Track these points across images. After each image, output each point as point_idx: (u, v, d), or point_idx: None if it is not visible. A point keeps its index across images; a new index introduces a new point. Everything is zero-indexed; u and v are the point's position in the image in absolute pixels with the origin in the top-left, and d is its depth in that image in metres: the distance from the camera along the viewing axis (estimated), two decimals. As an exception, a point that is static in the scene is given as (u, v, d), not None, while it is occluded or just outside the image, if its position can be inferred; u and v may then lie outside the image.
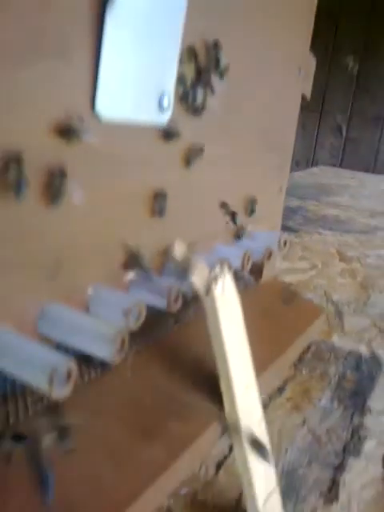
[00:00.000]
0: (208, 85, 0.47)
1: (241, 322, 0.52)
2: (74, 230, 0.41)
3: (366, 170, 2.99)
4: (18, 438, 0.39)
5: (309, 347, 0.88)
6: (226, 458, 0.64)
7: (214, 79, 0.48)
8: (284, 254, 0.68)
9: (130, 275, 0.48)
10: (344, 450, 0.66)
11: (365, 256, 1.40)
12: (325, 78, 2.95)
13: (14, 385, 0.45)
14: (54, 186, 0.36)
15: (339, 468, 0.63)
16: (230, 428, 0.50)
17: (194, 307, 0.66)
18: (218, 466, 0.62)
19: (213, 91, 0.48)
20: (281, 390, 0.77)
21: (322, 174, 2.65)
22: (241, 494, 0.58)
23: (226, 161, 0.59)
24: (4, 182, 0.33)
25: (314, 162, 3.19)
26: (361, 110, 3.05)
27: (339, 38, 2.86)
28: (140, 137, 0.44)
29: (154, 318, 0.62)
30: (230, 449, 0.65)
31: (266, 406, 0.73)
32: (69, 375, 0.34)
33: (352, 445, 0.67)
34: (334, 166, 3.06)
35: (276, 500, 0.53)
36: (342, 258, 1.36)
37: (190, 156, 0.50)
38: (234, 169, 0.60)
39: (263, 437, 0.53)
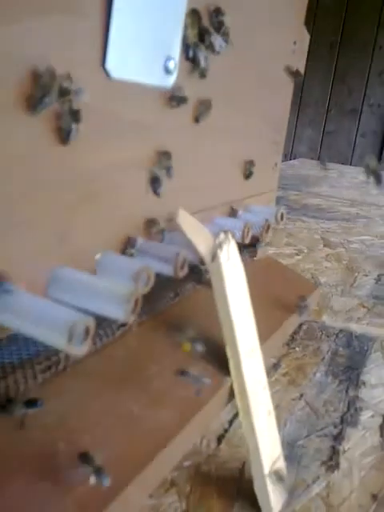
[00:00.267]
0: (211, 48, 0.47)
1: (245, 289, 0.52)
2: (82, 193, 0.40)
3: (344, 163, 3.03)
4: (30, 403, 0.39)
5: (300, 326, 0.89)
6: (226, 431, 0.64)
7: (217, 43, 0.48)
8: (281, 227, 0.68)
9: (137, 243, 0.48)
10: (342, 420, 0.67)
11: (348, 242, 1.42)
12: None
13: (22, 354, 0.45)
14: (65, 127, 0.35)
15: (338, 438, 0.63)
16: (236, 393, 0.50)
17: (191, 282, 0.66)
18: (219, 439, 0.62)
19: (215, 52, 0.48)
20: (276, 366, 0.77)
21: (302, 166, 2.67)
22: (244, 465, 0.58)
23: (227, 127, 0.59)
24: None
25: (292, 156, 3.22)
26: (338, 103, 3.08)
27: (316, 30, 2.89)
28: (145, 99, 0.44)
29: (154, 291, 0.62)
30: (230, 423, 0.65)
31: (262, 381, 0.74)
32: (86, 333, 0.34)
33: (349, 416, 0.68)
34: (313, 158, 3.09)
35: (281, 466, 0.54)
36: (327, 243, 1.38)
37: (198, 116, 0.50)
38: (233, 136, 0.60)
39: (268, 402, 0.53)
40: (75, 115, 0.35)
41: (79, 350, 0.33)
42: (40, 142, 0.35)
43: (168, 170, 0.47)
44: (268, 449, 0.51)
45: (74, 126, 0.35)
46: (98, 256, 0.44)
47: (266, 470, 0.51)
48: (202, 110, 0.50)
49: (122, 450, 0.38)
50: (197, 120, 0.51)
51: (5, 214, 0.34)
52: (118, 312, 0.38)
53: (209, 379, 0.47)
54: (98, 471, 0.34)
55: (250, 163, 0.64)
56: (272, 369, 0.77)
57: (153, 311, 0.56)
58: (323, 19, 2.90)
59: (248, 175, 0.65)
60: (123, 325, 0.52)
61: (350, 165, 3.01)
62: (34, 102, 0.33)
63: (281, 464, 0.54)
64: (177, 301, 0.61)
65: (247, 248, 0.77)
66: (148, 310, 0.56)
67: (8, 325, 0.34)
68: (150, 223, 0.47)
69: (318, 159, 3.08)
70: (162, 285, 0.64)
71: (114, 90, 0.40)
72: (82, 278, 0.39)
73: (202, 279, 0.60)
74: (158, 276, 0.66)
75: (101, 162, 0.41)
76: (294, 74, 0.65)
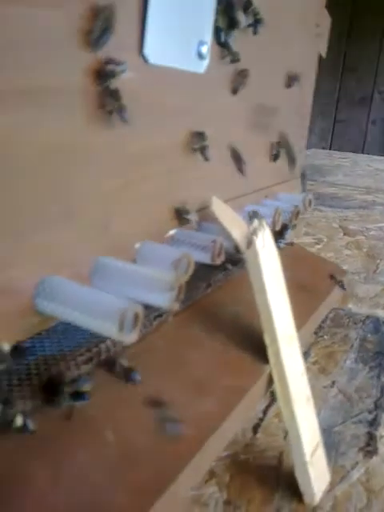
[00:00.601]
0: (240, 29, 0.47)
1: (281, 275, 0.52)
2: (123, 180, 0.40)
3: (355, 151, 3.00)
4: (77, 395, 0.39)
5: (327, 315, 0.88)
6: (261, 420, 0.63)
7: (244, 21, 0.47)
8: (308, 212, 0.68)
9: (172, 231, 0.48)
10: (375, 406, 0.66)
11: (367, 229, 1.41)
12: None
13: (63, 346, 0.45)
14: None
15: (373, 423, 0.63)
16: (275, 381, 0.49)
17: (222, 272, 0.65)
18: (255, 428, 0.62)
19: (244, 32, 0.48)
20: (306, 354, 0.77)
21: (314, 156, 2.65)
22: (281, 454, 0.58)
23: (254, 111, 0.59)
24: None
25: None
26: (348, 92, 3.06)
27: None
28: (181, 83, 0.44)
29: (187, 281, 0.62)
30: (264, 412, 0.65)
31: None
32: (136, 320, 0.34)
33: (383, 401, 0.67)
34: (324, 148, 3.07)
35: (321, 453, 0.53)
36: (346, 231, 1.37)
37: (236, 87, 0.50)
38: (260, 120, 0.60)
39: (306, 389, 0.53)
40: (116, 95, 0.35)
41: (129, 337, 0.33)
42: (82, 128, 0.35)
43: (203, 150, 0.47)
44: (308, 436, 0.51)
45: (115, 105, 0.35)
46: (137, 245, 0.43)
47: (307, 456, 0.50)
48: (239, 80, 0.50)
49: (173, 438, 0.38)
50: (235, 91, 0.50)
51: (48, 201, 0.34)
52: (163, 300, 0.37)
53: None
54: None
55: (278, 144, 0.64)
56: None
57: (186, 302, 0.56)
58: (331, 8, 2.87)
59: (275, 156, 0.64)
60: (159, 315, 0.52)
61: (362, 153, 2.98)
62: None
63: (321, 451, 0.53)
64: (209, 291, 0.60)
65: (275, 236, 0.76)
66: (182, 301, 0.56)
67: (56, 314, 0.34)
68: (184, 212, 0.47)
69: (330, 149, 3.06)
70: (195, 275, 0.64)
71: (152, 76, 0.40)
72: (124, 267, 0.38)
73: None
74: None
75: (141, 147, 0.41)
76: None
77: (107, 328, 0.32)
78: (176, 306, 0.38)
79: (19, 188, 0.31)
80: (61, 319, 0.35)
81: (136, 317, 0.33)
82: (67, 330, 0.47)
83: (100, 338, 0.46)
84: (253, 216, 0.51)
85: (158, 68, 0.40)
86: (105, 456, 0.35)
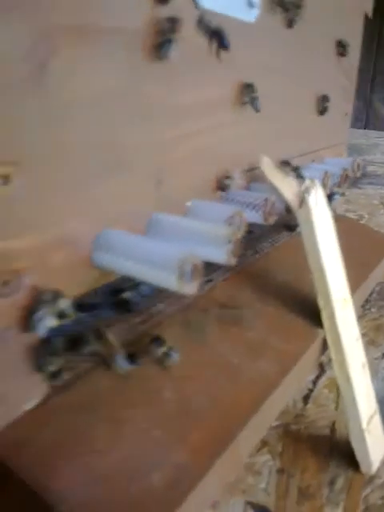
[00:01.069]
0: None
1: (334, 236, 0.50)
2: (177, 132, 0.39)
3: (391, 131, 2.92)
4: (131, 358, 0.37)
5: (374, 288, 0.86)
6: (311, 391, 0.62)
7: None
8: (358, 176, 0.65)
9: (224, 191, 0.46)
10: None
11: (408, 205, 1.37)
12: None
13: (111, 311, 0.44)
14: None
15: None
16: (330, 345, 0.48)
17: (269, 239, 0.64)
18: (305, 398, 0.60)
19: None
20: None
21: (351, 135, 2.59)
22: (334, 423, 0.56)
23: (302, 66, 0.57)
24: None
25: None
26: (383, 70, 2.97)
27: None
28: (231, 32, 0.42)
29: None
30: (314, 383, 0.63)
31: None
32: (195, 271, 0.32)
33: None
34: (359, 128, 2.99)
35: (378, 422, 0.51)
36: (387, 207, 1.33)
37: (292, 19, 0.48)
38: (308, 76, 0.58)
39: (361, 354, 0.51)
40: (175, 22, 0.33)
41: (189, 288, 0.32)
42: (136, 74, 0.33)
43: (253, 101, 0.45)
44: (364, 402, 0.49)
45: (171, 35, 0.33)
46: (189, 203, 0.42)
47: (364, 423, 0.48)
48: (295, 12, 0.48)
49: (230, 399, 0.37)
50: (291, 24, 0.48)
51: (102, 150, 0.32)
52: (220, 254, 0.36)
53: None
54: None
55: (324, 98, 0.61)
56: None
57: (235, 268, 0.55)
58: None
59: (322, 111, 0.62)
60: (209, 280, 0.51)
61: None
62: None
63: (377, 420, 0.51)
64: (257, 258, 0.58)
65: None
66: (231, 267, 0.54)
67: (114, 267, 0.33)
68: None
69: (365, 128, 2.99)
70: (242, 243, 0.62)
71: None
72: (180, 222, 0.37)
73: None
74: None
75: (192, 98, 0.39)
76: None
77: (165, 278, 0.31)
78: (233, 261, 0.36)
79: (74, 135, 0.30)
80: (119, 272, 0.34)
81: (195, 268, 0.32)
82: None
83: (153, 301, 0.45)
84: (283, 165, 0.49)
85: (210, 15, 0.39)
86: (165, 414, 0.34)
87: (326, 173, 0.57)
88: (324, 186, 0.58)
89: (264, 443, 0.53)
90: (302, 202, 0.47)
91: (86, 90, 0.29)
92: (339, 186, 0.61)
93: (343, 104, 0.69)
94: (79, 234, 0.32)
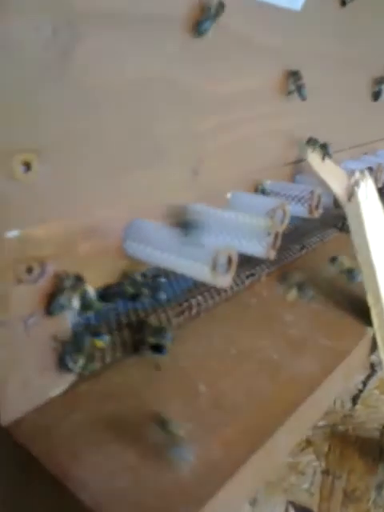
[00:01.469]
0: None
1: (385, 231, 0.47)
2: (215, 122, 0.38)
3: None
4: (156, 348, 0.37)
5: None
6: (360, 391, 0.60)
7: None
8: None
9: (266, 182, 0.45)
10: None
11: None
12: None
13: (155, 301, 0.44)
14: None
15: None
16: (379, 344, 0.46)
17: (318, 234, 0.62)
18: (354, 399, 0.58)
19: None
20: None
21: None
22: (383, 426, 0.54)
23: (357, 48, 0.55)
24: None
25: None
26: None
27: None
28: (276, 20, 0.41)
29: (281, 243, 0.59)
30: (364, 383, 0.61)
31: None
32: (229, 264, 0.31)
33: None
34: None
35: None
36: None
37: None
38: (359, 63, 0.56)
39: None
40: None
41: (223, 280, 0.31)
42: (173, 61, 0.33)
43: (299, 89, 0.44)
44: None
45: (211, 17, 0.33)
46: (229, 195, 0.41)
47: (415, 428, 0.46)
48: None
49: (268, 395, 0.36)
50: (344, 3, 0.47)
51: (137, 139, 0.32)
52: (259, 246, 0.35)
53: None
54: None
55: (380, 81, 0.59)
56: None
57: (279, 263, 0.53)
58: None
59: (376, 94, 0.59)
60: (252, 274, 0.50)
61: None
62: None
63: None
64: (304, 253, 0.57)
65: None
66: (275, 262, 0.53)
67: (146, 257, 0.33)
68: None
69: None
70: (289, 238, 0.61)
71: (244, 10, 0.37)
72: (217, 213, 0.36)
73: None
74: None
75: (232, 88, 0.39)
76: None
77: (199, 269, 0.31)
78: (272, 255, 0.36)
79: (100, 124, 0.30)
80: (150, 262, 0.33)
81: (229, 260, 0.31)
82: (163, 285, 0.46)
83: (192, 294, 0.45)
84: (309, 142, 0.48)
85: (251, 2, 0.38)
86: (198, 407, 0.34)
87: (379, 165, 0.55)
88: (376, 179, 0.55)
89: (309, 443, 0.51)
90: (351, 195, 0.45)
91: (115, 77, 0.29)
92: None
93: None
94: (109, 224, 0.32)
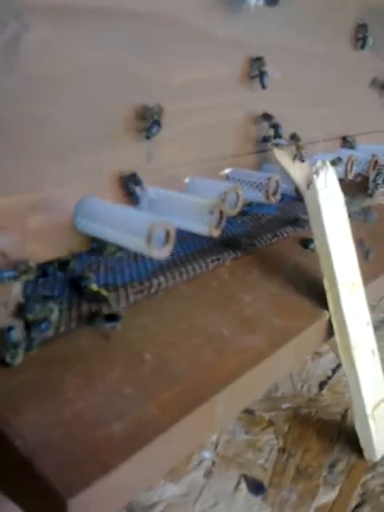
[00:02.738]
0: None
1: (345, 218, 0.49)
2: (168, 111, 0.40)
3: None
4: (110, 317, 0.40)
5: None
6: (329, 378, 0.61)
7: None
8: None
9: (227, 170, 0.47)
10: None
11: None
12: None
13: (116, 280, 0.46)
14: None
15: None
16: (334, 328, 0.47)
17: (292, 225, 0.64)
18: (321, 385, 0.60)
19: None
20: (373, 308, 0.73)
21: None
22: (347, 410, 0.56)
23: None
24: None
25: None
26: None
27: None
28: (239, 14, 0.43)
29: (253, 231, 0.61)
30: (334, 371, 0.62)
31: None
32: (167, 236, 0.34)
33: None
34: None
35: (386, 409, 0.50)
36: None
37: None
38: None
39: (371, 340, 0.50)
40: None
41: (159, 253, 0.33)
42: (127, 51, 0.35)
43: (262, 75, 0.46)
44: (371, 388, 0.48)
45: None
46: (187, 180, 0.44)
47: (368, 409, 0.48)
48: None
49: (211, 366, 0.38)
50: None
51: (86, 123, 0.35)
52: (202, 225, 0.37)
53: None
54: None
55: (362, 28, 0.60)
56: (382, 323, 0.73)
57: (248, 249, 0.55)
58: None
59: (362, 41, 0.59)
60: (217, 259, 0.52)
61: None
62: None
63: (386, 407, 0.50)
64: (275, 241, 0.59)
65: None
66: (244, 248, 0.55)
67: (93, 231, 0.35)
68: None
69: None
70: (262, 227, 0.63)
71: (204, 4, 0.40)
72: (165, 194, 0.39)
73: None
74: (259, 219, 0.65)
75: (188, 77, 0.41)
76: None
77: (135, 242, 0.33)
78: (216, 233, 0.38)
79: (50, 107, 0.32)
80: (98, 237, 0.36)
81: (167, 234, 0.34)
82: (123, 267, 0.49)
83: (155, 274, 0.47)
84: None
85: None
86: (141, 374, 0.36)
87: (349, 157, 0.56)
88: (347, 171, 0.57)
89: (270, 423, 0.53)
90: (310, 183, 0.47)
91: (62, 65, 0.32)
92: (367, 172, 0.60)
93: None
94: (58, 201, 0.34)
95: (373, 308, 0.77)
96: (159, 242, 0.34)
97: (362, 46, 0.60)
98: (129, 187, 0.37)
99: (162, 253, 0.34)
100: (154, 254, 0.33)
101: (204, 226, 0.37)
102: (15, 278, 0.32)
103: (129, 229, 0.33)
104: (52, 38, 0.31)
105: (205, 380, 0.37)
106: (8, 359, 0.33)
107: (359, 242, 0.56)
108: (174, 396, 0.35)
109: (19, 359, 0.33)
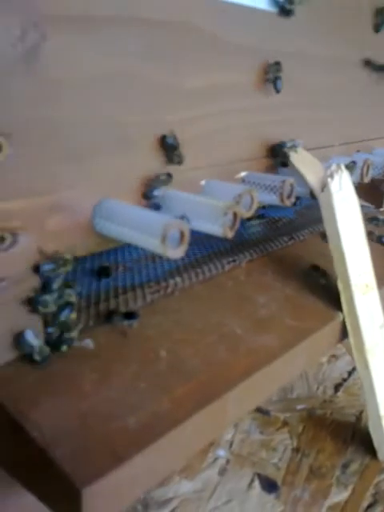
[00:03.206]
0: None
1: (360, 222, 0.50)
2: (187, 115, 0.42)
3: None
4: (128, 315, 0.41)
5: None
6: (345, 380, 0.62)
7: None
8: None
9: (243, 173, 0.48)
10: None
11: None
12: None
13: (134, 280, 0.48)
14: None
15: None
16: (348, 329, 0.48)
17: (309, 228, 0.64)
18: (337, 387, 0.60)
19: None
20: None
21: None
22: (361, 412, 0.56)
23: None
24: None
25: None
26: None
27: None
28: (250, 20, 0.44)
29: (269, 234, 0.62)
30: (350, 373, 0.63)
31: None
32: (182, 237, 0.35)
33: None
34: None
35: (400, 411, 0.50)
36: None
37: None
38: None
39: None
40: None
41: (174, 253, 0.35)
42: (141, 58, 0.37)
43: (275, 80, 0.47)
44: (385, 390, 0.49)
45: None
46: (203, 182, 0.45)
47: (382, 411, 0.48)
48: None
49: (224, 364, 0.39)
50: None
51: (105, 127, 0.36)
52: (216, 226, 0.38)
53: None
54: None
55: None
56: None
57: (263, 251, 0.56)
58: None
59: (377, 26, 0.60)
60: (233, 260, 0.53)
61: None
62: None
63: (400, 409, 0.51)
64: (291, 244, 0.60)
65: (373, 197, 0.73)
66: (260, 250, 0.56)
67: (110, 232, 0.37)
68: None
69: None
70: (279, 230, 0.64)
71: (215, 10, 0.41)
72: (181, 196, 0.40)
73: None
74: (275, 222, 0.66)
75: (203, 82, 0.42)
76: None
77: (151, 242, 0.34)
78: (230, 234, 0.39)
79: (66, 112, 0.34)
80: (115, 238, 0.37)
81: (182, 234, 0.35)
82: (141, 268, 0.50)
83: (172, 274, 0.49)
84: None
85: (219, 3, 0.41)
86: (156, 370, 0.37)
87: (365, 161, 0.57)
88: (363, 175, 0.57)
89: (285, 424, 0.54)
90: (324, 186, 0.48)
91: (78, 72, 0.33)
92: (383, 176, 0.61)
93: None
94: (76, 202, 0.35)
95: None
96: (174, 242, 0.35)
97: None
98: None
99: (176, 253, 0.35)
100: (168, 253, 0.34)
101: (219, 227, 0.38)
102: (54, 271, 0.34)
103: (144, 229, 0.35)
104: (68, 45, 0.32)
105: (217, 377, 0.38)
106: (36, 357, 0.34)
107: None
108: (187, 392, 0.36)
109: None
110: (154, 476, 0.34)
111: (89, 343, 0.37)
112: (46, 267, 0.34)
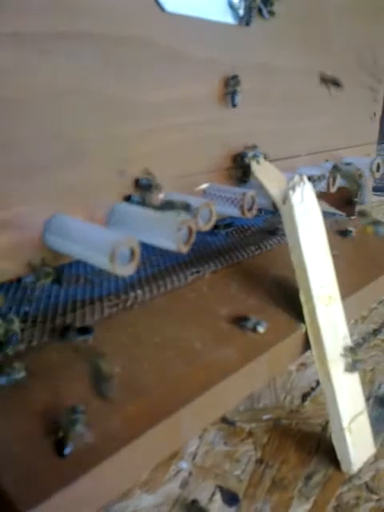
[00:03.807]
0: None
1: (323, 234, 0.50)
2: (142, 129, 0.41)
3: None
4: (83, 330, 0.41)
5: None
6: (312, 389, 0.62)
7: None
8: (377, 177, 0.64)
9: (204, 185, 0.48)
10: None
11: None
12: None
13: (94, 293, 0.47)
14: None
15: None
16: (311, 341, 0.48)
17: (276, 237, 0.64)
18: (304, 396, 0.60)
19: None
20: (376, 332, 0.73)
21: None
22: (328, 422, 0.56)
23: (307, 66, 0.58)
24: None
25: None
26: None
27: None
28: (207, 33, 0.44)
29: (236, 244, 0.62)
30: (318, 382, 0.63)
31: (359, 345, 0.70)
32: (132, 254, 0.35)
33: None
34: None
35: (364, 423, 0.51)
36: None
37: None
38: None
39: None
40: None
41: (124, 270, 0.34)
42: (96, 74, 0.37)
43: (233, 95, 0.46)
44: (348, 401, 0.49)
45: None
46: (161, 195, 0.44)
47: (345, 422, 0.48)
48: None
49: (179, 379, 0.39)
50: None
51: (57, 142, 0.36)
52: (170, 241, 0.38)
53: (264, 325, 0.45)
54: None
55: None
56: (372, 334, 0.73)
57: (229, 262, 0.56)
58: None
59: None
60: (197, 271, 0.53)
61: None
62: None
63: (364, 420, 0.51)
64: (257, 253, 0.59)
65: (344, 206, 0.73)
66: (225, 260, 0.56)
67: (61, 248, 0.36)
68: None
69: None
70: (247, 239, 0.64)
71: (175, 25, 0.41)
72: (136, 211, 0.40)
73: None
74: (244, 231, 0.66)
75: (161, 96, 0.42)
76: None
77: (100, 260, 0.34)
78: (184, 249, 0.38)
79: (17, 128, 0.33)
80: (66, 254, 0.37)
81: (132, 251, 0.35)
82: (102, 281, 0.50)
83: (133, 287, 0.48)
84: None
85: (178, 16, 0.41)
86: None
87: (331, 171, 0.57)
88: (330, 185, 0.58)
89: (249, 434, 0.54)
90: (286, 198, 0.48)
91: (27, 88, 0.33)
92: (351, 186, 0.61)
93: (370, 105, 0.68)
94: (27, 218, 0.35)
95: (363, 319, 0.77)
96: (124, 259, 0.34)
97: None
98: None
99: (126, 270, 0.35)
100: (118, 271, 0.34)
101: (172, 243, 0.38)
102: (34, 283, 0.33)
103: (93, 246, 0.34)
104: (15, 62, 0.32)
105: (172, 393, 0.37)
106: None
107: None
108: (139, 409, 0.35)
109: None
110: (103, 496, 0.34)
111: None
112: (28, 279, 0.34)
